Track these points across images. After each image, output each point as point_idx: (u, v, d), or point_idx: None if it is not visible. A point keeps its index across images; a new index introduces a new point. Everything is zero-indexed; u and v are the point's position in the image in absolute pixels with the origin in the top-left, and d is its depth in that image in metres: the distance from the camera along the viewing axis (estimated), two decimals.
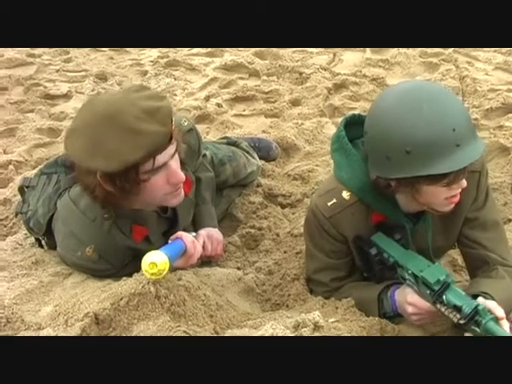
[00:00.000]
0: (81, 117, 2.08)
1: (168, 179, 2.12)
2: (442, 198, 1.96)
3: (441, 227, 2.20)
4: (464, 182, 1.94)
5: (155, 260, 1.92)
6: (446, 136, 1.80)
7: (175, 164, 2.13)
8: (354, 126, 2.14)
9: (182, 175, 2.14)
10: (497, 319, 1.77)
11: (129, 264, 2.26)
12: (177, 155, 2.16)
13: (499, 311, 1.81)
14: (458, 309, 1.80)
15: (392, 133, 1.86)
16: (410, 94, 1.89)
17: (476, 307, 1.76)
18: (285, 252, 2.76)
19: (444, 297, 1.84)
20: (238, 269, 2.66)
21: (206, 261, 2.60)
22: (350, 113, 2.28)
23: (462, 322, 1.80)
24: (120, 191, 2.07)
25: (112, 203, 2.18)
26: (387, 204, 2.10)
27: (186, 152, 2.38)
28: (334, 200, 2.15)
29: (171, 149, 2.09)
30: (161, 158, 2.05)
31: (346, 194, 2.14)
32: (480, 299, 1.85)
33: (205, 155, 2.73)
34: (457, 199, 1.99)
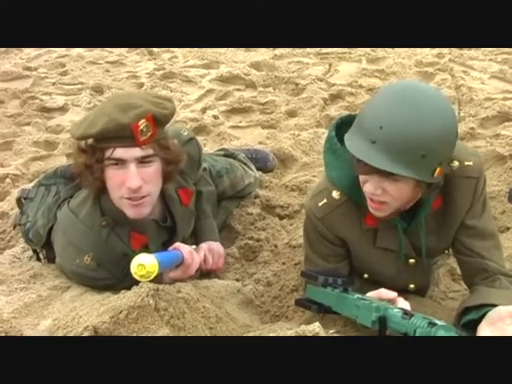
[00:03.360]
0: None
1: (123, 180, 2.15)
2: (366, 190, 1.98)
3: (434, 228, 2.19)
4: (374, 188, 1.93)
5: (144, 262, 1.93)
6: (371, 124, 1.84)
7: (137, 171, 2.15)
8: (348, 126, 2.15)
9: (134, 183, 2.15)
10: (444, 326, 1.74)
11: (128, 275, 2.26)
12: (150, 169, 2.20)
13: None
14: (404, 332, 1.78)
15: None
16: (396, 87, 1.95)
17: (416, 328, 1.73)
18: (283, 263, 2.75)
19: (389, 329, 1.83)
20: (237, 280, 2.65)
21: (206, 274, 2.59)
22: (343, 114, 2.31)
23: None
24: (89, 168, 2.18)
25: (85, 179, 2.25)
26: None
27: (186, 162, 2.38)
28: (325, 200, 2.16)
29: (136, 151, 2.14)
30: (119, 152, 2.13)
31: (335, 194, 2.15)
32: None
33: (205, 169, 2.73)
34: (374, 205, 2.00)
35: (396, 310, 1.79)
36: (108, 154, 2.13)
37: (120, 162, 2.13)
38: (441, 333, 1.66)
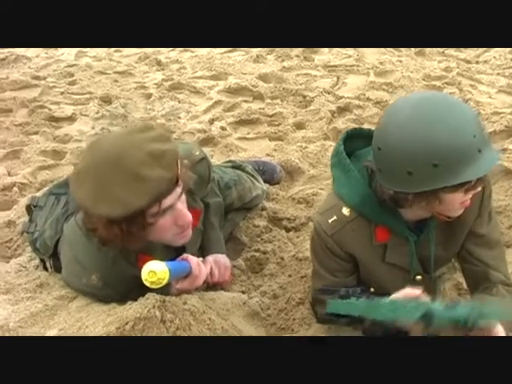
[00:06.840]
0: (86, 159, 2.08)
1: (175, 220, 2.13)
2: (458, 203, 1.94)
3: (441, 237, 2.19)
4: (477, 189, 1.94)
5: (155, 268, 1.93)
6: (469, 143, 1.77)
7: (182, 205, 2.14)
8: (354, 139, 2.15)
9: (189, 216, 2.15)
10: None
11: (134, 290, 2.25)
12: (184, 197, 2.18)
13: None
14: (454, 322, 1.77)
15: (414, 147, 1.79)
16: (427, 105, 1.84)
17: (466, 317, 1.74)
18: (289, 276, 2.75)
19: (434, 323, 1.80)
20: (243, 293, 2.65)
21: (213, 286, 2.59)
22: (350, 127, 2.29)
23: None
24: (127, 235, 2.06)
25: (118, 245, 2.15)
26: (389, 217, 2.09)
27: (195, 181, 2.37)
28: (335, 217, 2.14)
29: (177, 191, 2.10)
30: (167, 201, 2.06)
31: (345, 211, 2.13)
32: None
33: (213, 179, 2.72)
34: (468, 202, 1.98)
35: (437, 303, 1.79)
36: (154, 210, 2.03)
37: (168, 209, 2.10)
38: (491, 310, 1.71)
